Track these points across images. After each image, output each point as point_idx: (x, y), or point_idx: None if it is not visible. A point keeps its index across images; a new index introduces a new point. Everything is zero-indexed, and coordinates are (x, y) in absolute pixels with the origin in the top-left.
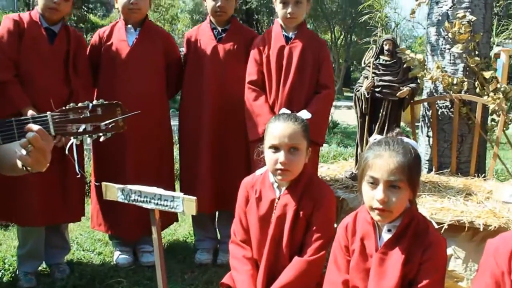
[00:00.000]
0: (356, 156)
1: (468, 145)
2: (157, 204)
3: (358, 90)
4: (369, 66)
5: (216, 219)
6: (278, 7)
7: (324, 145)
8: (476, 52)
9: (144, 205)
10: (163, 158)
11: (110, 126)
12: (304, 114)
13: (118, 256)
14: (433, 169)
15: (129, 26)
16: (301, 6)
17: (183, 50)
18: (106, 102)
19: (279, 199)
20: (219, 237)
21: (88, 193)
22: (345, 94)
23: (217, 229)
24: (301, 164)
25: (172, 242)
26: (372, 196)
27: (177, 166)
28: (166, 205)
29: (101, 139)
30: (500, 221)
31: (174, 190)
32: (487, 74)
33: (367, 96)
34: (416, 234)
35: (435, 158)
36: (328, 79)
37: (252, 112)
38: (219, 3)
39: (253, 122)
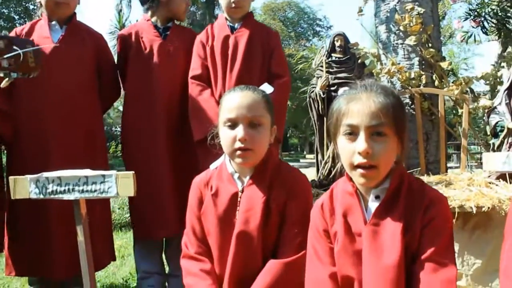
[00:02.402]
0: (317, 163)
1: (434, 143)
2: (82, 191)
3: (313, 91)
4: (322, 66)
5: (164, 249)
6: None
7: None
8: (430, 44)
9: (66, 197)
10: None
11: (16, 64)
12: (266, 88)
13: None
14: None
15: (54, 22)
16: None
17: None
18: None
19: (242, 191)
20: (167, 271)
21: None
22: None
23: (165, 262)
24: (265, 143)
25: (110, 285)
26: (352, 150)
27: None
28: (95, 190)
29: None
30: (493, 201)
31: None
32: (445, 64)
33: (322, 96)
34: (411, 195)
35: (404, 163)
36: (281, 68)
37: (197, 108)
38: None
39: (198, 118)
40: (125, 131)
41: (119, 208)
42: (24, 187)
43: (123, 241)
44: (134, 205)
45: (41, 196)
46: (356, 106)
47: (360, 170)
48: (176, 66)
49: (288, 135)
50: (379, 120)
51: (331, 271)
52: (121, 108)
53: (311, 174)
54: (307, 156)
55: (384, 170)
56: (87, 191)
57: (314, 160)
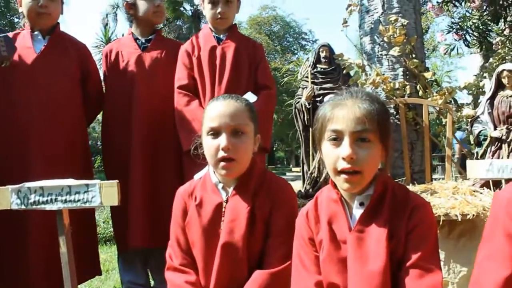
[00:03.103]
0: (303, 174)
1: (418, 152)
2: (65, 201)
3: (298, 102)
4: (307, 77)
5: (148, 262)
6: (206, 8)
7: None
8: (414, 55)
9: (48, 207)
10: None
11: None
12: (250, 97)
13: None
14: None
15: (36, 33)
16: (231, 6)
17: None
18: None
19: (227, 202)
20: (152, 284)
21: None
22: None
23: (149, 274)
24: (249, 152)
25: None
26: (336, 155)
27: None
28: (79, 200)
29: None
30: (477, 208)
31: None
32: (428, 75)
33: (308, 106)
34: (395, 201)
35: (388, 170)
36: (267, 79)
37: (185, 118)
38: (219, 9)
39: (186, 129)
40: (104, 143)
41: (103, 222)
42: (5, 198)
43: (107, 255)
44: (113, 216)
45: (23, 207)
46: (341, 111)
47: (344, 176)
48: (154, 78)
49: (274, 148)
50: (363, 126)
51: (316, 279)
52: None
53: (297, 186)
54: (293, 169)
55: (368, 176)
56: (70, 201)
57: (301, 174)
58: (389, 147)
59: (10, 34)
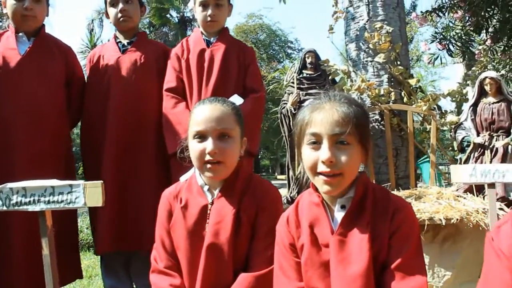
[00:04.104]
0: (288, 180)
1: (403, 158)
2: (48, 202)
3: (284, 107)
4: (293, 82)
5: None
6: (197, 10)
7: None
8: (398, 62)
9: (31, 208)
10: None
11: None
12: (236, 99)
13: None
14: None
15: (21, 34)
16: (222, 9)
17: None
18: None
19: (212, 204)
20: None
21: None
22: None
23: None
24: (235, 156)
25: None
26: (315, 158)
27: None
28: (62, 201)
29: None
30: (461, 213)
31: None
32: (413, 82)
33: (293, 112)
34: (376, 203)
35: (372, 176)
36: (256, 83)
37: (172, 120)
38: (209, 12)
39: (173, 132)
40: (82, 146)
41: (87, 228)
42: None
43: (90, 261)
44: (91, 220)
45: (4, 208)
46: (320, 115)
47: (322, 177)
48: (132, 80)
49: (259, 156)
50: (342, 128)
51: (297, 286)
52: None
53: (282, 194)
54: (279, 177)
55: (349, 178)
56: (53, 201)
57: (286, 182)
58: (369, 149)
59: None
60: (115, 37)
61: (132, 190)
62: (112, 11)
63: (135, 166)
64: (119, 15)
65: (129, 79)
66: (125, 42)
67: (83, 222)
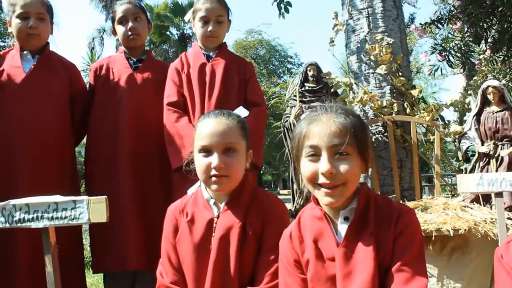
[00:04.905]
0: (293, 193)
1: (408, 170)
2: (52, 218)
3: (287, 121)
4: (295, 95)
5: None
6: (197, 26)
7: None
8: (400, 73)
9: (34, 225)
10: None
11: None
12: (241, 111)
13: None
14: None
15: (25, 52)
16: (222, 25)
17: None
18: None
19: (218, 217)
20: None
21: None
22: None
23: None
24: (241, 169)
25: None
26: (315, 170)
27: None
28: (66, 217)
29: None
30: (469, 223)
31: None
32: (415, 92)
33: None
34: (379, 211)
35: (377, 188)
36: (257, 96)
37: (174, 135)
38: (210, 28)
39: (176, 146)
40: (88, 158)
41: (90, 246)
42: None
43: (94, 279)
44: (93, 236)
45: (7, 226)
46: (317, 127)
47: (324, 189)
48: (144, 98)
49: (262, 171)
50: (340, 139)
51: None
52: None
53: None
54: (281, 192)
55: (351, 188)
56: (57, 218)
57: (288, 196)
58: (368, 159)
59: None
60: (124, 52)
61: (151, 205)
62: (120, 29)
63: (151, 182)
64: (129, 33)
65: (142, 97)
66: (134, 59)
67: (87, 240)
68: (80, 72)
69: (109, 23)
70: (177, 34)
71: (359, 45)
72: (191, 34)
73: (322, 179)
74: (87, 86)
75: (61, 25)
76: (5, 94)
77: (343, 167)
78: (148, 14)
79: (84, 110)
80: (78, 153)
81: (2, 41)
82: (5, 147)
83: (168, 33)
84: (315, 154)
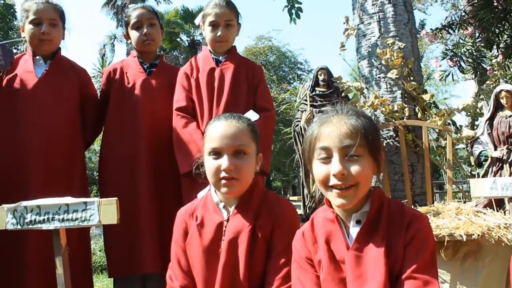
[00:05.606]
0: (303, 198)
1: (419, 175)
2: (62, 220)
3: (297, 125)
4: (306, 100)
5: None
6: (206, 30)
7: None
8: (411, 78)
9: (45, 227)
10: None
11: None
12: (251, 115)
13: None
14: None
15: (38, 57)
16: (231, 29)
17: None
18: None
19: (228, 221)
20: None
21: None
22: None
23: None
24: (251, 172)
25: None
26: (327, 171)
27: None
28: (76, 218)
29: None
30: (482, 228)
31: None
32: (427, 97)
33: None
34: (391, 216)
35: (388, 193)
36: (266, 101)
37: (183, 140)
38: (219, 33)
39: (184, 151)
40: (104, 161)
41: (100, 250)
42: (1, 217)
43: (103, 283)
44: (110, 239)
45: (19, 227)
46: (328, 129)
47: (336, 191)
48: (158, 102)
49: (271, 178)
50: (351, 141)
51: None
52: None
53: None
54: (291, 198)
55: (363, 189)
56: (67, 219)
57: (298, 203)
58: (380, 160)
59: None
60: (137, 57)
61: (166, 210)
62: (135, 34)
63: (166, 186)
64: (144, 38)
65: (157, 102)
66: (148, 63)
67: (96, 245)
68: (90, 77)
69: (120, 30)
70: (187, 40)
71: (370, 49)
72: (201, 41)
73: (333, 181)
74: (98, 91)
75: (72, 31)
76: (18, 99)
77: (354, 168)
78: None
79: (94, 114)
80: (89, 159)
81: (15, 48)
82: (17, 150)
83: (178, 39)
84: (327, 156)
